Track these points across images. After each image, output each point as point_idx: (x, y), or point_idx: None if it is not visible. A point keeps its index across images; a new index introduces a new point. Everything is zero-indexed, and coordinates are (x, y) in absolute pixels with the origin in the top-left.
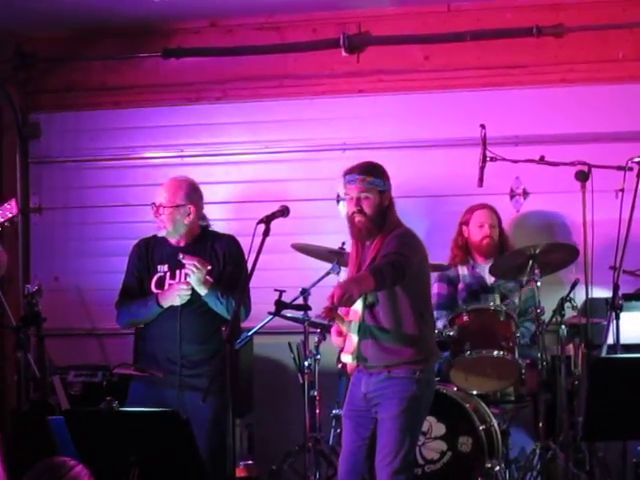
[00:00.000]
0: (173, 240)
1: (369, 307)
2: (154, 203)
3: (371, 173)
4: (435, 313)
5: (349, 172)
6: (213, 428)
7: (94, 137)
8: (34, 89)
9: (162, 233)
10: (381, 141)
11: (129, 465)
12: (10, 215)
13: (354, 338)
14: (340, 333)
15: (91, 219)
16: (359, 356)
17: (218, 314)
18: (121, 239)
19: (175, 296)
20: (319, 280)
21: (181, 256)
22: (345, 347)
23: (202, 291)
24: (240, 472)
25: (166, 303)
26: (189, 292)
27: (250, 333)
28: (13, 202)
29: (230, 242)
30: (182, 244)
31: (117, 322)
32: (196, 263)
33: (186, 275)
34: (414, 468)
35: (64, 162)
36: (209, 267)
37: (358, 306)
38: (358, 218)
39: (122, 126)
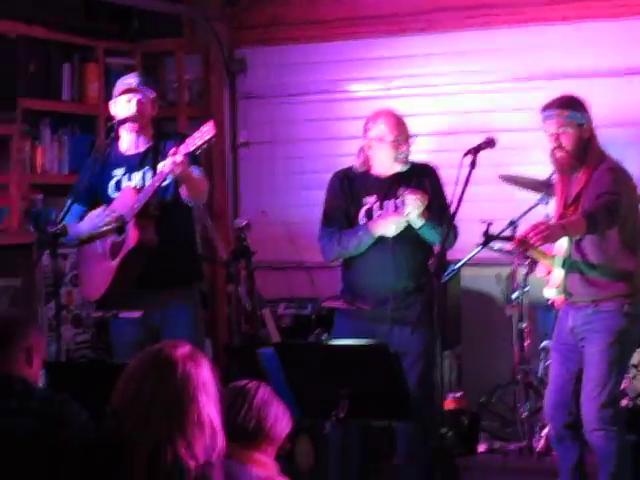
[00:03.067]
0: (378, 172)
1: (576, 241)
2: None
3: (568, 107)
4: None
5: (546, 108)
6: (422, 360)
7: (299, 71)
8: (239, 25)
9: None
10: (589, 69)
11: (338, 397)
12: (208, 137)
13: (559, 272)
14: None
15: (297, 153)
16: (565, 291)
17: (427, 247)
18: (327, 172)
19: (390, 225)
20: (527, 211)
21: (402, 190)
22: (550, 281)
23: (418, 223)
24: (449, 404)
25: (378, 232)
26: (406, 221)
27: (457, 266)
28: (211, 124)
29: (433, 172)
30: (385, 176)
31: (323, 255)
32: (419, 197)
33: (396, 207)
34: (621, 401)
35: (270, 97)
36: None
37: (564, 240)
38: (559, 154)
39: (326, 59)
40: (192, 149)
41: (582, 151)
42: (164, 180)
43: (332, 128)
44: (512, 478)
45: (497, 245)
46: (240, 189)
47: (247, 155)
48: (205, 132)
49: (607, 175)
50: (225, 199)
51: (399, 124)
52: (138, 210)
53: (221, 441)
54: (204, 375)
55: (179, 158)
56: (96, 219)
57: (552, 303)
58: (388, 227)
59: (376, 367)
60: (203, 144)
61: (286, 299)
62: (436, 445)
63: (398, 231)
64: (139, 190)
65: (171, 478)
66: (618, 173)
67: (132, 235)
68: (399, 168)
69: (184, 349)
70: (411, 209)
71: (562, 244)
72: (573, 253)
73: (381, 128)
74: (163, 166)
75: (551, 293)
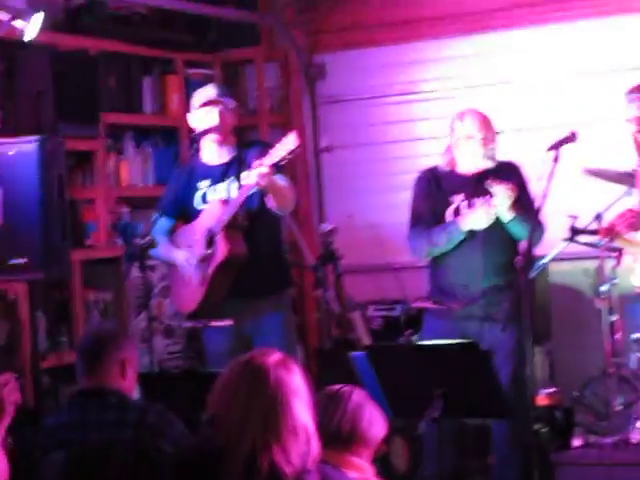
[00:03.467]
0: (464, 170)
1: None
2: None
3: None
4: None
5: (630, 92)
6: (513, 358)
7: (378, 73)
8: (317, 30)
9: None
10: None
11: (431, 397)
12: (292, 147)
13: None
14: None
15: (379, 155)
16: None
17: (515, 243)
18: (410, 173)
19: (480, 217)
20: (612, 204)
21: (489, 182)
22: (637, 269)
23: (507, 217)
24: (542, 400)
25: (468, 226)
26: (495, 214)
27: (545, 261)
28: (294, 134)
29: (517, 169)
30: (471, 174)
31: (413, 254)
32: (509, 188)
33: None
34: None
35: (350, 101)
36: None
37: None
38: None
39: (406, 60)
40: (276, 160)
41: None
42: (250, 192)
43: (413, 129)
44: (608, 472)
45: (583, 239)
46: (324, 194)
47: (330, 160)
48: (289, 142)
49: None
50: (310, 204)
51: (486, 122)
52: (226, 222)
53: (316, 446)
54: (296, 381)
55: (264, 170)
56: (184, 263)
57: None
58: (478, 219)
59: (468, 366)
60: (287, 155)
61: (375, 301)
62: (531, 442)
63: (488, 224)
64: (226, 202)
65: None
66: None
67: (222, 248)
68: (485, 166)
69: (275, 356)
70: (500, 200)
71: None
72: None
73: (469, 126)
74: (248, 178)
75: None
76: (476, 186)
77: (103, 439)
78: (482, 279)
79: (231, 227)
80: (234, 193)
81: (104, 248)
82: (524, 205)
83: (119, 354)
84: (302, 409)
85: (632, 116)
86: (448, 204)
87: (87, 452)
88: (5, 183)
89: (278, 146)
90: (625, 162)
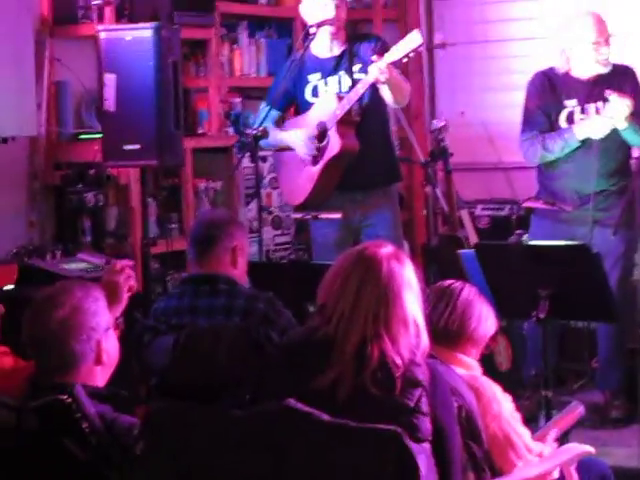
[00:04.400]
0: (579, 74)
1: None
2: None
3: None
4: None
5: None
6: (623, 262)
7: None
8: None
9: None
10: None
11: (538, 298)
12: (415, 45)
13: None
14: None
15: (494, 53)
16: None
17: (628, 148)
18: (524, 73)
19: (597, 125)
20: None
21: (608, 92)
22: None
23: (623, 125)
24: None
25: (584, 134)
26: (611, 124)
27: None
28: (415, 32)
29: (633, 74)
30: (586, 78)
31: (526, 158)
32: (628, 102)
33: (597, 110)
34: None
35: None
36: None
37: None
38: None
39: None
40: (399, 57)
41: None
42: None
43: (527, 28)
44: None
45: None
46: (437, 90)
47: (443, 56)
48: (413, 40)
49: None
50: (422, 100)
51: (599, 24)
52: (340, 117)
53: (425, 340)
54: (408, 274)
55: (383, 65)
56: (300, 142)
57: None
58: (594, 129)
59: (578, 268)
60: (409, 53)
61: (484, 200)
62: (636, 346)
63: (604, 134)
64: (340, 97)
65: (377, 374)
66: None
67: (335, 142)
68: (600, 70)
69: (388, 248)
70: (616, 112)
71: None
72: None
73: (580, 29)
74: (368, 74)
75: None
76: (591, 91)
77: (212, 323)
78: (594, 184)
79: (344, 122)
80: (346, 87)
81: (216, 137)
82: (638, 111)
83: (231, 242)
84: (413, 302)
85: None
86: (562, 107)
87: (197, 335)
88: (120, 70)
89: (401, 42)
90: None
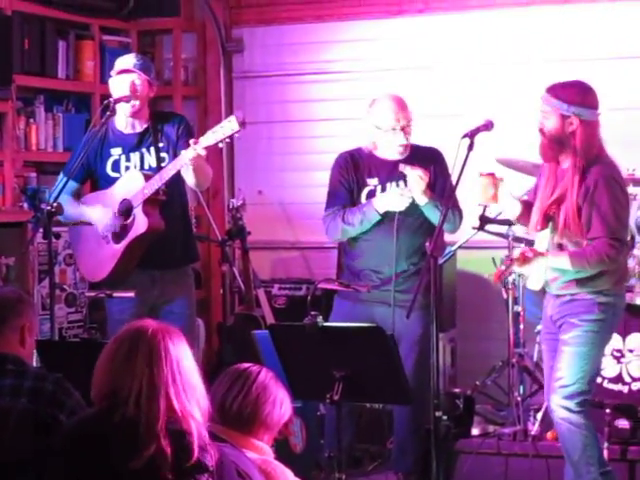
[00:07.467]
0: (382, 155)
1: (556, 244)
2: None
3: (558, 95)
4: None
5: (546, 89)
6: (420, 344)
7: (295, 51)
8: (236, 4)
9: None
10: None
11: (333, 380)
12: (231, 131)
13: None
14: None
15: (294, 133)
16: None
17: (428, 228)
18: (324, 153)
19: (395, 197)
20: (523, 195)
21: (402, 166)
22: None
23: (422, 200)
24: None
25: (383, 207)
26: (410, 197)
27: (454, 248)
28: (233, 117)
29: (438, 155)
30: (388, 159)
31: (327, 234)
32: (421, 173)
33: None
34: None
35: (267, 77)
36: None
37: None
38: (540, 137)
39: (324, 39)
40: (214, 142)
41: (559, 143)
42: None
43: (329, 109)
44: (506, 462)
45: (493, 228)
46: (236, 169)
47: (243, 135)
48: (228, 126)
49: (605, 196)
50: (220, 179)
51: (399, 110)
52: (148, 196)
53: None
54: (174, 342)
55: (201, 150)
56: (103, 219)
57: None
58: (392, 201)
59: (372, 350)
60: (225, 138)
61: (281, 280)
62: (431, 429)
63: (404, 207)
64: (147, 175)
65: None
66: (614, 189)
67: (141, 221)
68: (395, 156)
69: (153, 322)
70: (413, 183)
71: (542, 240)
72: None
73: (378, 114)
74: (182, 156)
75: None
76: (392, 171)
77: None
78: (394, 264)
79: (151, 201)
80: (147, 164)
81: (10, 212)
82: (442, 191)
83: (19, 321)
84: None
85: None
86: (364, 185)
87: None
88: None
89: (217, 127)
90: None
